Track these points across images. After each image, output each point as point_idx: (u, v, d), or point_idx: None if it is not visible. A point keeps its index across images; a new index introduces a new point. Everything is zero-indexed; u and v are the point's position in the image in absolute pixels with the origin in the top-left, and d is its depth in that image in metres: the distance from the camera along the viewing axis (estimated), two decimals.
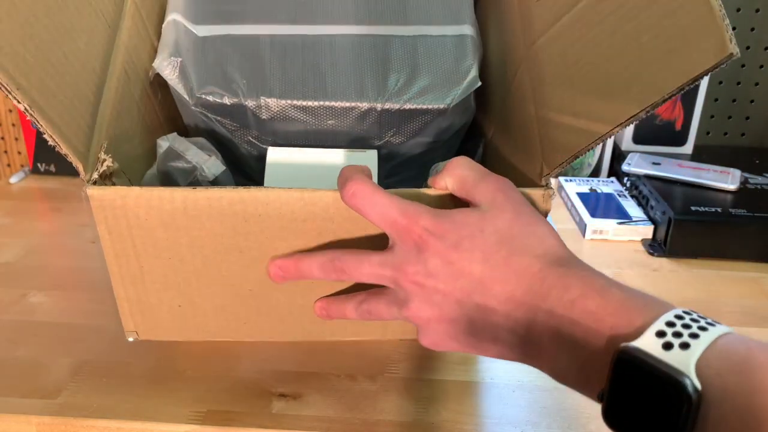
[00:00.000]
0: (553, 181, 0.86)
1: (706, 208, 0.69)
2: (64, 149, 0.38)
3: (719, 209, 0.69)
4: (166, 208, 0.39)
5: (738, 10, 0.88)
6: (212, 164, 0.49)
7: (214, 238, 0.40)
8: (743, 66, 0.91)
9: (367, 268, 0.37)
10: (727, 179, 0.75)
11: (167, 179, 0.48)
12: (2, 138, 0.96)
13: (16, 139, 0.95)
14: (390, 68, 0.52)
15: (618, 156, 0.86)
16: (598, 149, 0.85)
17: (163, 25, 0.52)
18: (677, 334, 0.26)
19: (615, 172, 0.86)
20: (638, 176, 0.78)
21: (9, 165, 0.97)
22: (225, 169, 0.50)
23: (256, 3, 0.53)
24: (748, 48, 0.90)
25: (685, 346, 0.26)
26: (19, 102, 0.35)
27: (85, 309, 0.57)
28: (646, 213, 0.74)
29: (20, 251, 0.67)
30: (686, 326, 0.27)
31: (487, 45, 0.58)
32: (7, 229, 0.72)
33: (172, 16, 0.52)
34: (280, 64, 0.51)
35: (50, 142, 0.37)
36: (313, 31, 0.53)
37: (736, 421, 0.24)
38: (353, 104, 0.51)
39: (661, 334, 0.27)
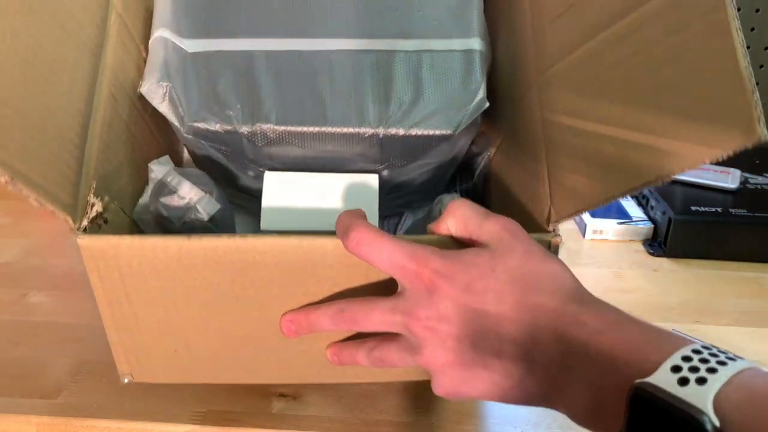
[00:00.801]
0: None
1: (706, 208, 0.69)
2: (50, 207, 0.36)
3: (719, 209, 0.69)
4: (159, 258, 0.37)
5: (738, 9, 0.88)
6: (207, 203, 0.46)
7: (209, 287, 0.39)
8: None
9: (377, 315, 0.36)
10: (727, 179, 0.75)
11: (160, 216, 0.46)
12: None
13: None
14: (393, 89, 0.48)
15: None
16: None
17: (150, 42, 0.49)
18: (694, 369, 0.25)
19: None
20: None
21: None
22: (220, 207, 0.47)
23: (248, 13, 0.49)
24: (748, 48, 0.89)
25: (701, 381, 0.25)
26: None
27: (85, 309, 0.57)
28: (646, 213, 0.74)
29: (20, 251, 0.67)
30: (704, 360, 0.26)
31: (496, 45, 0.54)
32: (7, 229, 0.72)
33: (159, 32, 0.48)
34: (276, 86, 0.48)
35: (35, 204, 0.36)
36: (310, 45, 0.49)
37: None
38: (354, 130, 0.47)
39: (676, 369, 0.26)
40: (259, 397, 0.47)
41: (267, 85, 0.47)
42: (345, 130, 0.47)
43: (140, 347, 0.42)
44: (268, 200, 0.48)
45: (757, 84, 0.97)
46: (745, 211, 0.69)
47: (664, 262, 0.68)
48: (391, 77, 0.48)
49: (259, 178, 0.49)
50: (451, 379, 0.35)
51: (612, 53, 0.37)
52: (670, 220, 0.68)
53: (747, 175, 0.79)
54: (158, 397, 0.46)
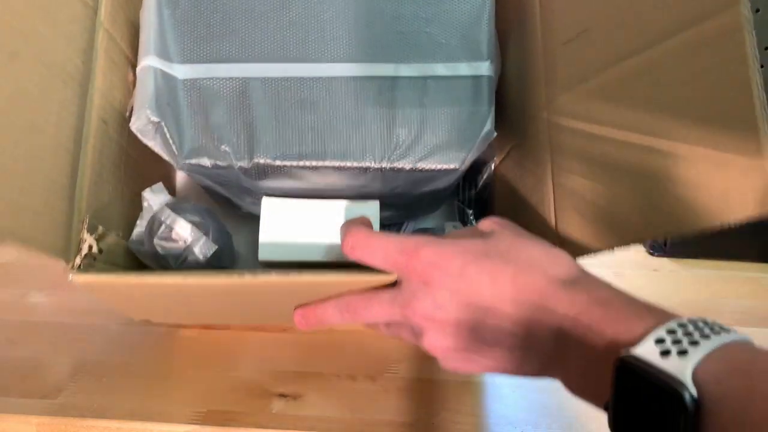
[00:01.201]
0: None
1: None
2: (42, 256, 0.36)
3: None
4: (155, 292, 0.39)
5: None
6: (203, 245, 0.45)
7: (205, 305, 0.42)
8: None
9: (377, 307, 0.37)
10: None
11: (156, 254, 0.45)
12: None
13: None
14: (396, 120, 0.45)
15: None
16: None
17: (138, 71, 0.45)
18: (677, 342, 0.26)
19: None
20: None
21: None
22: (216, 248, 0.46)
23: (242, 36, 0.46)
24: None
25: (683, 353, 0.26)
26: None
27: (85, 309, 0.57)
28: None
29: (20, 251, 0.67)
30: (688, 334, 0.26)
31: (505, 58, 0.51)
32: None
33: (147, 61, 0.45)
34: (273, 117, 0.45)
35: (25, 257, 0.37)
36: (308, 71, 0.46)
37: (736, 428, 0.24)
38: (356, 164, 0.45)
39: (660, 341, 0.26)
40: (259, 397, 0.47)
41: (263, 115, 0.45)
42: (346, 164, 0.45)
43: (139, 313, 0.47)
44: (265, 229, 0.47)
45: None
46: None
47: (664, 262, 0.68)
48: (394, 106, 0.46)
49: (257, 203, 0.49)
50: (454, 361, 0.36)
51: (623, 90, 0.36)
52: None
53: None
54: (158, 397, 0.46)
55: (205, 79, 0.45)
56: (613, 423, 0.28)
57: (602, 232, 0.38)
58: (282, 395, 0.47)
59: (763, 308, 0.60)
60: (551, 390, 0.49)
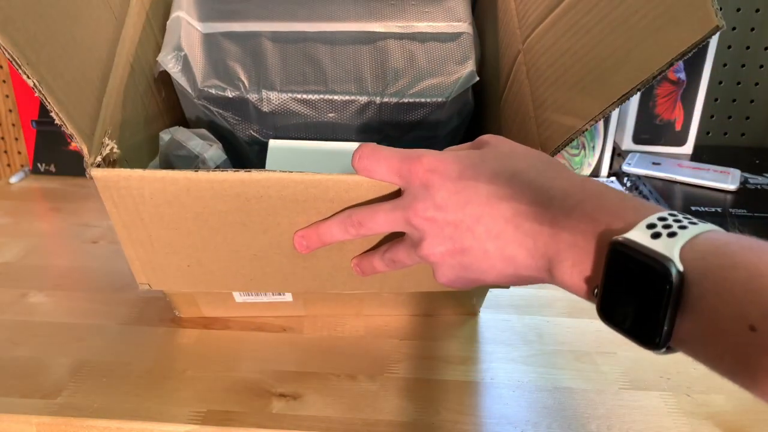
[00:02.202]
0: None
1: (706, 208, 0.69)
2: (69, 129, 0.39)
3: (719, 209, 0.69)
4: (169, 189, 0.40)
5: (738, 10, 0.88)
6: (213, 153, 0.50)
7: (218, 214, 0.42)
8: (743, 66, 0.91)
9: (381, 215, 0.39)
10: (727, 179, 0.75)
11: (169, 167, 0.49)
12: (2, 138, 0.96)
13: (16, 139, 0.96)
14: (388, 62, 0.53)
15: (618, 156, 0.86)
16: (597, 149, 0.85)
17: (168, 22, 0.53)
18: (667, 226, 0.28)
19: (615, 172, 0.86)
20: (638, 176, 0.78)
21: (9, 165, 0.97)
22: (225, 158, 0.51)
23: (257, 2, 0.54)
24: (748, 48, 0.90)
25: (672, 235, 0.27)
26: (28, 77, 0.36)
27: (85, 309, 0.57)
28: None
29: (20, 251, 0.67)
30: (677, 221, 0.28)
31: (485, 46, 0.58)
32: (7, 229, 0.72)
33: (177, 13, 0.53)
34: (281, 59, 0.52)
35: (56, 121, 0.39)
36: (313, 28, 0.54)
37: (714, 296, 0.25)
38: (353, 98, 0.52)
39: (651, 226, 0.28)
40: (259, 397, 0.47)
41: (272, 58, 0.52)
42: (344, 97, 0.52)
43: (155, 262, 0.45)
44: (271, 166, 0.50)
45: (757, 84, 0.97)
46: (745, 211, 0.69)
47: None
48: (386, 52, 0.53)
49: (263, 153, 0.52)
50: (451, 268, 0.37)
51: (585, 2, 0.42)
52: None
53: (747, 175, 0.79)
54: (158, 397, 0.46)
55: (223, 33, 0.53)
56: (600, 306, 0.30)
57: (585, 102, 0.42)
58: (282, 395, 0.47)
59: None
60: (551, 390, 0.49)
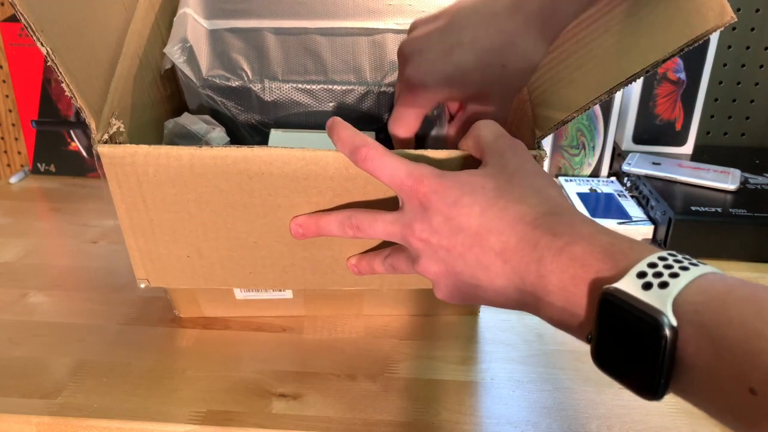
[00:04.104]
0: None
1: (706, 208, 0.69)
2: (79, 102, 0.40)
3: (719, 209, 0.69)
4: (173, 165, 0.41)
5: (738, 9, 0.88)
6: (217, 135, 0.51)
7: (219, 194, 0.42)
8: (743, 66, 0.91)
9: (380, 225, 0.40)
10: (727, 179, 0.75)
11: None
12: (2, 138, 0.96)
13: (16, 139, 0.96)
14: (386, 55, 0.55)
15: (618, 156, 0.86)
16: (597, 149, 0.85)
17: (175, 18, 0.55)
18: (658, 275, 0.27)
19: (615, 172, 0.86)
20: (638, 176, 0.78)
21: (9, 165, 0.97)
22: (228, 140, 0.52)
23: (261, 2, 0.57)
24: (748, 48, 0.90)
25: (663, 285, 0.27)
26: (42, 44, 0.37)
27: (85, 309, 0.57)
28: (646, 213, 0.74)
29: (20, 251, 0.67)
30: (668, 267, 0.28)
31: None
32: (7, 229, 0.72)
33: (184, 10, 0.55)
34: (282, 52, 0.54)
35: (67, 92, 0.40)
36: (313, 24, 0.56)
37: (711, 354, 0.25)
38: (352, 87, 0.53)
39: (642, 275, 0.28)
40: (259, 397, 0.47)
41: (275, 51, 0.54)
42: (344, 87, 0.53)
43: (155, 252, 0.45)
44: None
45: (757, 84, 0.97)
46: (745, 211, 0.69)
47: None
48: (384, 45, 0.55)
49: (265, 142, 0.53)
50: (446, 287, 0.38)
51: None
52: (670, 220, 0.68)
53: (747, 175, 0.79)
54: (158, 397, 0.46)
55: (228, 29, 0.55)
56: (595, 354, 0.30)
57: (579, 92, 0.42)
58: (282, 395, 0.47)
59: None
60: (551, 390, 0.49)
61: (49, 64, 0.38)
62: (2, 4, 0.89)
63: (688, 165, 0.80)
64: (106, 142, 0.42)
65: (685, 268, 0.27)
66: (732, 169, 0.78)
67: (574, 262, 0.31)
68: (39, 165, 0.86)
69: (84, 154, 0.85)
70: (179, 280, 0.47)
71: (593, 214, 0.74)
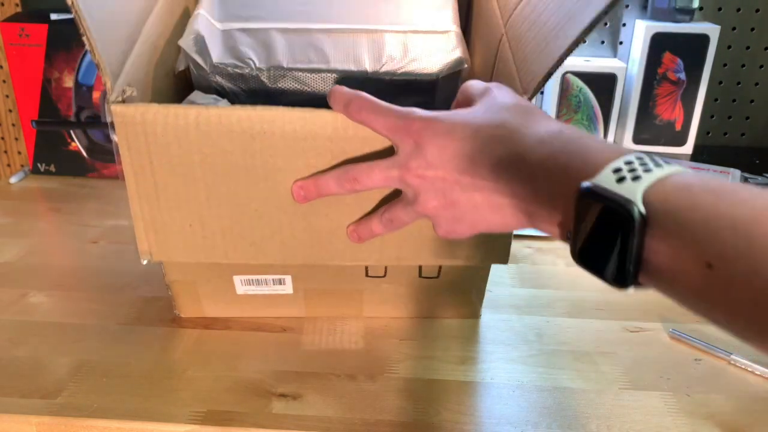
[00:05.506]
0: None
1: None
2: (97, 57, 0.42)
3: None
4: (180, 124, 0.43)
5: (738, 10, 0.88)
6: (224, 104, 0.53)
7: (223, 156, 0.44)
8: (743, 66, 0.91)
9: (377, 172, 0.41)
10: (727, 179, 0.75)
11: None
12: (2, 138, 0.96)
13: (16, 139, 0.96)
14: (384, 48, 0.58)
15: None
16: None
17: (190, 19, 0.58)
18: (632, 170, 0.29)
19: None
20: None
21: (9, 165, 0.97)
22: None
23: (269, 9, 0.61)
24: (748, 48, 0.90)
25: (636, 178, 0.28)
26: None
27: (85, 309, 0.57)
28: None
29: (20, 251, 0.67)
30: (643, 164, 0.29)
31: (473, 55, 0.62)
32: (7, 229, 0.72)
33: (199, 11, 0.58)
34: (288, 46, 0.58)
35: (87, 46, 0.41)
36: (316, 26, 0.60)
37: (675, 237, 0.26)
38: (351, 71, 0.57)
39: (617, 170, 0.29)
40: (259, 397, 0.47)
41: (281, 45, 0.58)
42: (344, 75, 0.56)
43: (159, 221, 0.47)
44: None
45: (757, 84, 0.97)
46: None
47: None
48: (383, 42, 0.58)
49: None
50: (446, 220, 0.40)
51: None
52: None
53: (747, 175, 0.79)
54: (158, 397, 0.46)
55: (238, 29, 0.59)
56: (573, 249, 0.31)
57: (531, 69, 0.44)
58: (282, 395, 0.47)
59: None
60: (551, 390, 0.49)
61: (72, 14, 0.39)
62: (2, 4, 0.89)
63: (688, 165, 0.80)
64: (121, 101, 0.44)
65: (658, 165, 0.29)
66: (732, 169, 0.78)
67: (558, 168, 0.33)
68: (39, 165, 0.86)
69: (84, 154, 0.85)
70: (181, 253, 0.48)
71: None
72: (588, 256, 0.30)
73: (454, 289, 0.55)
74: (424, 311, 0.57)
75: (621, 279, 0.29)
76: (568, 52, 0.41)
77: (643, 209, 0.27)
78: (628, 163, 0.29)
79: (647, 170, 0.29)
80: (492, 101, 0.40)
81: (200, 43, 0.56)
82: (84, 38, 0.41)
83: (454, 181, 0.38)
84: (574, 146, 0.33)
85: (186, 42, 0.56)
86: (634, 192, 0.28)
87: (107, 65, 0.43)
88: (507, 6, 0.55)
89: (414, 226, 0.46)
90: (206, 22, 0.58)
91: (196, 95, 0.55)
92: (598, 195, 0.29)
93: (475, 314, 0.57)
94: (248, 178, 0.45)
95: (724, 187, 0.27)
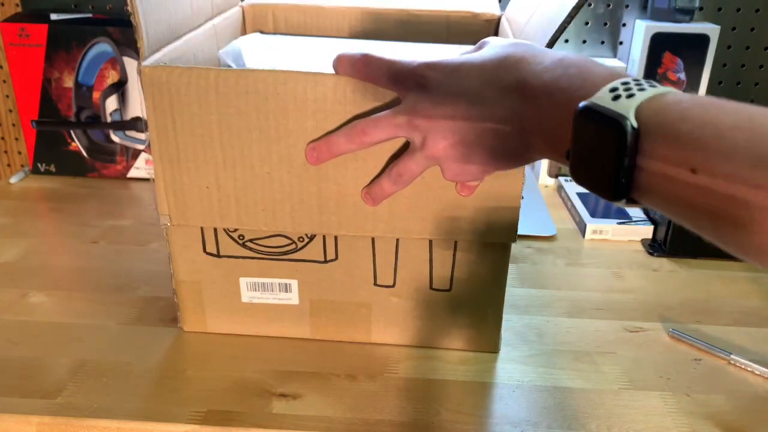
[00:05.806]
0: (552, 181, 0.86)
1: None
2: (136, 19, 0.45)
3: None
4: (202, 85, 0.46)
5: (738, 10, 0.88)
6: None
7: (239, 116, 0.46)
8: (743, 66, 0.91)
9: (385, 122, 0.42)
10: None
11: None
12: (2, 138, 0.96)
13: (16, 139, 0.96)
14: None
15: None
16: None
17: (233, 41, 0.63)
18: (628, 89, 0.30)
19: None
20: None
21: (9, 165, 0.97)
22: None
23: (302, 46, 0.65)
24: (748, 48, 0.90)
25: (630, 96, 0.29)
26: None
27: (85, 309, 0.57)
28: (646, 213, 0.74)
29: (20, 251, 0.67)
30: (638, 84, 0.30)
31: None
32: (7, 229, 0.72)
33: (240, 40, 0.63)
34: (316, 62, 0.61)
35: (128, 6, 0.45)
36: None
37: (663, 147, 0.28)
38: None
39: (613, 90, 0.30)
40: (259, 397, 0.47)
41: (310, 60, 0.60)
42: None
43: (179, 182, 0.49)
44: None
45: (757, 84, 0.97)
46: None
47: (664, 262, 0.68)
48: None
49: None
50: (455, 160, 0.40)
51: None
52: (670, 220, 0.68)
53: None
54: (158, 397, 0.46)
55: (277, 56, 0.62)
56: (572, 167, 0.32)
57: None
58: (282, 395, 0.47)
59: (763, 308, 0.60)
60: (551, 390, 0.49)
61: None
62: (2, 4, 0.89)
63: None
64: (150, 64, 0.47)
65: (653, 86, 0.30)
66: None
67: (560, 91, 0.34)
68: (39, 165, 0.86)
69: (84, 154, 0.85)
70: (198, 216, 0.50)
71: (593, 215, 0.74)
72: (586, 173, 0.32)
73: (468, 305, 0.52)
74: (435, 339, 0.53)
75: (615, 191, 0.30)
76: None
77: (635, 123, 0.28)
78: (625, 83, 0.30)
79: (641, 89, 0.30)
80: (493, 43, 0.41)
81: (237, 55, 0.59)
82: (128, 7, 0.44)
83: (463, 118, 0.38)
84: (575, 70, 0.34)
85: (225, 51, 0.59)
86: (628, 108, 0.29)
87: (144, 32, 0.46)
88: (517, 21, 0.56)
89: (422, 199, 0.47)
90: (247, 42, 0.62)
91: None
92: (593, 112, 0.30)
93: (493, 345, 0.53)
94: (261, 140, 0.47)
95: (714, 101, 0.28)
